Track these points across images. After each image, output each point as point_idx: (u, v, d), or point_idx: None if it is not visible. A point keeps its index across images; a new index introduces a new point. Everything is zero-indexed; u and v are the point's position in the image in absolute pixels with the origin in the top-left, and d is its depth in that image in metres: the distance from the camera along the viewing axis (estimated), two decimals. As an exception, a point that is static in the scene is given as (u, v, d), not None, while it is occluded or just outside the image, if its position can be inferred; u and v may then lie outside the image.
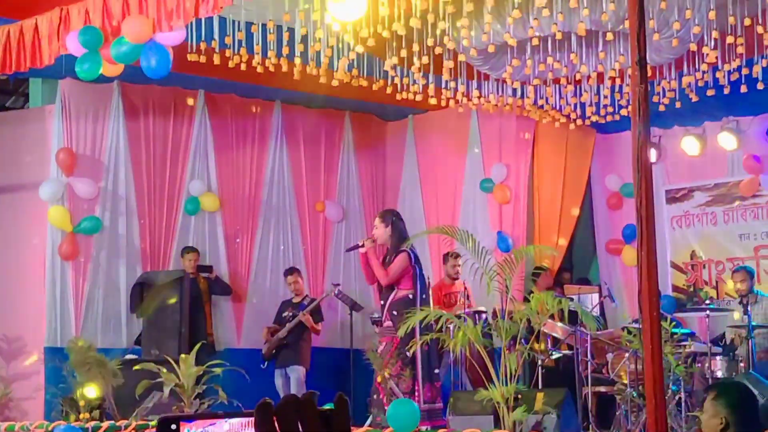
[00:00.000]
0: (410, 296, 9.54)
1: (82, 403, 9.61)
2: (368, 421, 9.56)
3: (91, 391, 9.66)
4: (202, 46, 9.24)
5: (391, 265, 9.55)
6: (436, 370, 9.62)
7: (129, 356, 10.63)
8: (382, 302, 9.73)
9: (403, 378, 9.38)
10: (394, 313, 9.35)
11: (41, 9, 9.18)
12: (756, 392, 7.85)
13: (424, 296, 9.60)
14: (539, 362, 9.98)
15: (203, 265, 11.88)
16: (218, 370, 9.23)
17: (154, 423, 8.64)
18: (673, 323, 9.45)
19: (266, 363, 11.79)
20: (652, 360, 5.50)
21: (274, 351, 11.73)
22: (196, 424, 2.11)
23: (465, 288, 10.92)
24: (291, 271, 12.14)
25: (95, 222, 11.47)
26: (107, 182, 11.68)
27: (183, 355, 9.12)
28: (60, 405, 10.07)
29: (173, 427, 2.10)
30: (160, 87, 11.50)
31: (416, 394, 9.30)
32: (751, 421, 5.01)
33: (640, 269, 5.55)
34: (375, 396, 9.56)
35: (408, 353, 9.17)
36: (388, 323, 9.46)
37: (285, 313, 11.85)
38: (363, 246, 9.91)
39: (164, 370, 9.10)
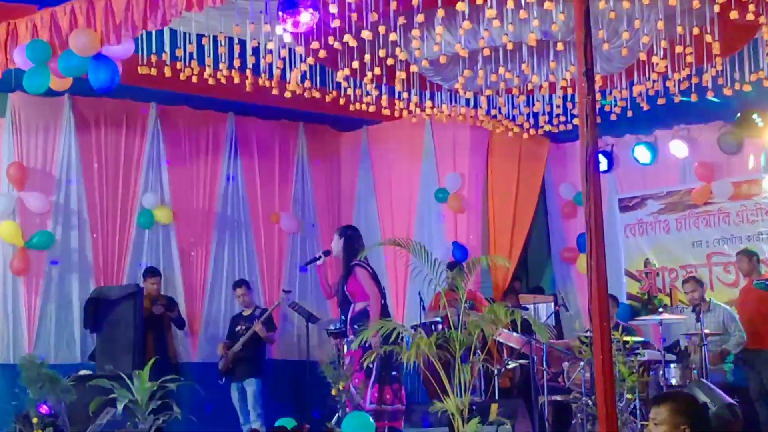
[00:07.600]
0: (367, 308, 9.53)
1: (35, 420, 9.49)
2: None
3: (44, 408, 9.55)
4: (153, 58, 9.17)
5: (365, 288, 9.50)
6: (394, 372, 9.56)
7: (83, 372, 10.51)
8: (342, 317, 9.71)
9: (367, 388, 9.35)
10: (356, 327, 9.28)
11: (-12, 23, 9.09)
12: (707, 400, 7.95)
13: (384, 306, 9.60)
14: (495, 372, 9.98)
15: (167, 303, 11.71)
16: (173, 385, 9.14)
17: None
18: (625, 333, 9.49)
19: (224, 378, 11.71)
20: (603, 370, 5.52)
21: (230, 366, 11.65)
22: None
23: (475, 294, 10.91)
24: (239, 284, 12.05)
25: (47, 237, 11.37)
26: (59, 196, 11.58)
27: (137, 371, 9.02)
28: (13, 422, 9.94)
29: None
30: (111, 100, 11.40)
31: (365, 397, 9.28)
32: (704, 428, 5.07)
33: (590, 280, 5.57)
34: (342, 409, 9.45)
35: (364, 365, 9.13)
36: (351, 337, 9.40)
37: (237, 328, 11.77)
38: (320, 259, 9.91)
39: (118, 386, 9.00)
